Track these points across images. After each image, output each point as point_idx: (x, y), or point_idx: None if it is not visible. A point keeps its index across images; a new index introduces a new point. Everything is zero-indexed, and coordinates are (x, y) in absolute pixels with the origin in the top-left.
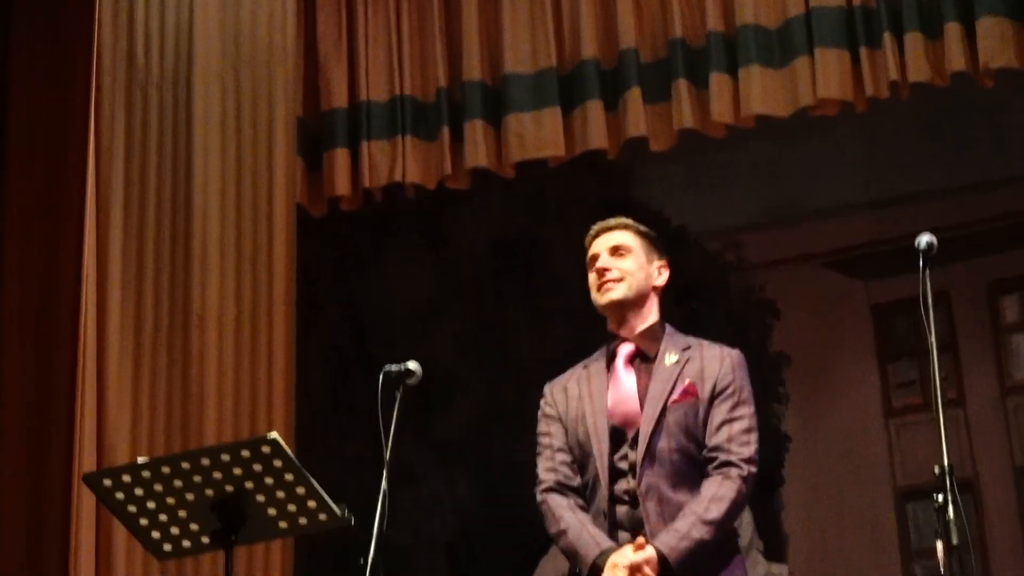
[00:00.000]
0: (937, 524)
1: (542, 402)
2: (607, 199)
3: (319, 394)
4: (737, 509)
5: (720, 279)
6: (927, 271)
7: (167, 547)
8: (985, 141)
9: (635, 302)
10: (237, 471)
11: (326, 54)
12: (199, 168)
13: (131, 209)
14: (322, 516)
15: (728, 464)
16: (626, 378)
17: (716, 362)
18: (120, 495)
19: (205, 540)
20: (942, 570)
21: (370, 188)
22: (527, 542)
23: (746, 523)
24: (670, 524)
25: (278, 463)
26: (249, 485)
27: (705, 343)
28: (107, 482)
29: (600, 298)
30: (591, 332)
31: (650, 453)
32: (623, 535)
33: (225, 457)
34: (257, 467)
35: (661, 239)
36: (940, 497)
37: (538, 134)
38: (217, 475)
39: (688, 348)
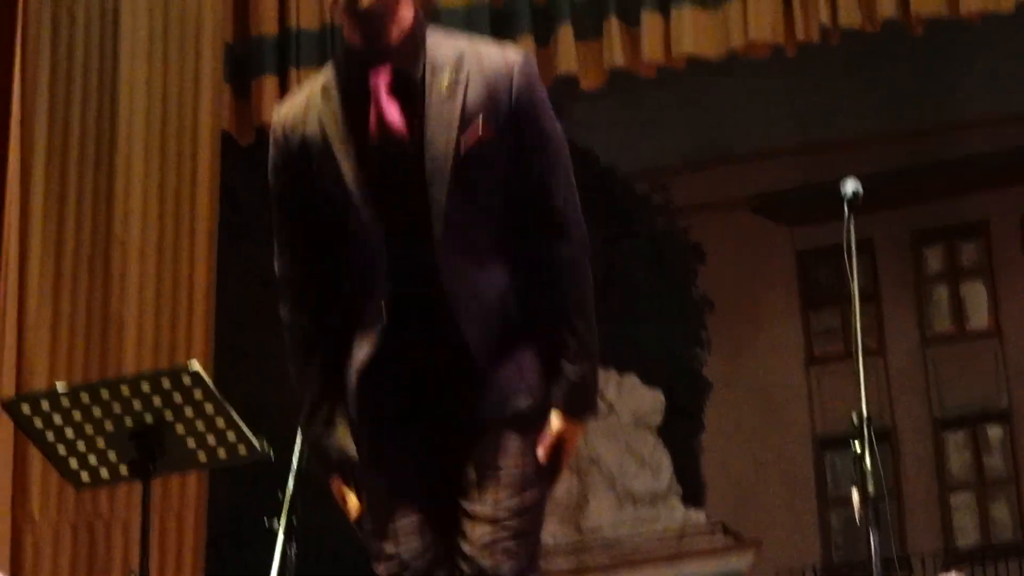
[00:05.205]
0: (854, 473)
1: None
2: None
3: (242, 312)
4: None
5: (647, 220)
6: (851, 218)
7: (84, 476)
8: (913, 89)
9: (393, 5)
10: (157, 401)
11: None
12: (124, 92)
13: (55, 131)
14: (241, 449)
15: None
16: (394, 115)
17: (506, 77)
18: (39, 423)
19: (123, 470)
20: (857, 519)
21: None
22: None
23: (665, 468)
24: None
25: (198, 394)
26: (169, 416)
27: (478, 42)
28: (26, 409)
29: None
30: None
31: (448, 224)
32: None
33: (145, 387)
34: (177, 397)
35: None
36: (858, 446)
37: None
38: (137, 405)
39: (461, 57)
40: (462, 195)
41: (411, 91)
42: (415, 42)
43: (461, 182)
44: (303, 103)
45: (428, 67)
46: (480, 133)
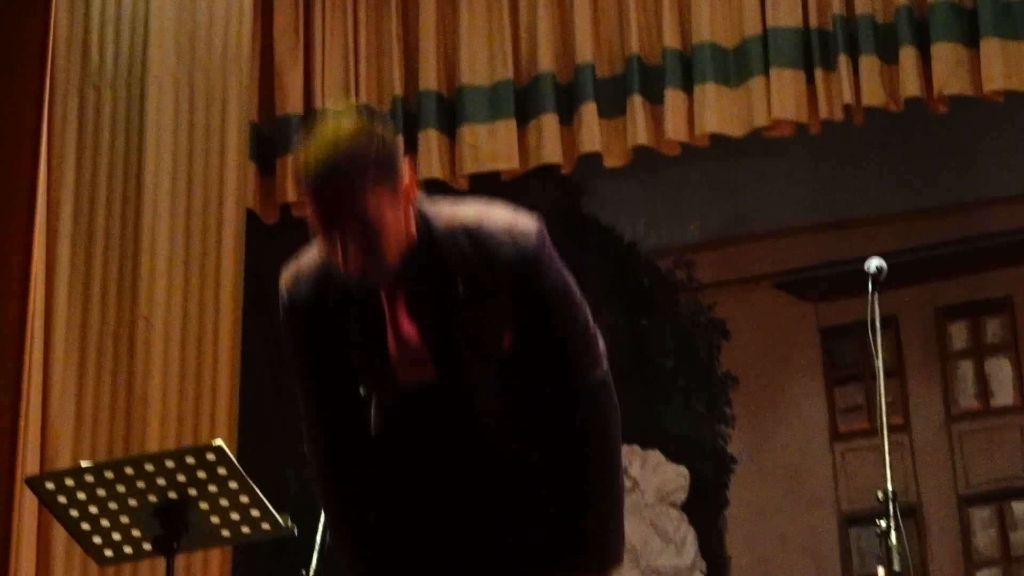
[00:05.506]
0: (879, 550)
1: None
2: (559, 214)
3: (266, 388)
4: None
5: (671, 297)
6: (875, 295)
7: (108, 553)
8: (937, 166)
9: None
10: (181, 477)
11: (282, 59)
12: (150, 170)
13: (81, 210)
14: (265, 525)
15: None
16: (412, 334)
17: (521, 267)
18: (63, 499)
19: (147, 546)
20: None
21: None
22: None
23: (689, 544)
24: None
25: (223, 470)
26: (193, 492)
27: (483, 224)
28: (50, 485)
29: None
30: None
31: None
32: None
33: (169, 463)
34: (201, 474)
35: (392, 123)
36: (883, 523)
37: (492, 146)
38: (161, 481)
39: (471, 256)
40: (492, 388)
41: (426, 301)
42: (420, 256)
43: (489, 379)
44: (316, 275)
45: (440, 269)
46: (506, 343)
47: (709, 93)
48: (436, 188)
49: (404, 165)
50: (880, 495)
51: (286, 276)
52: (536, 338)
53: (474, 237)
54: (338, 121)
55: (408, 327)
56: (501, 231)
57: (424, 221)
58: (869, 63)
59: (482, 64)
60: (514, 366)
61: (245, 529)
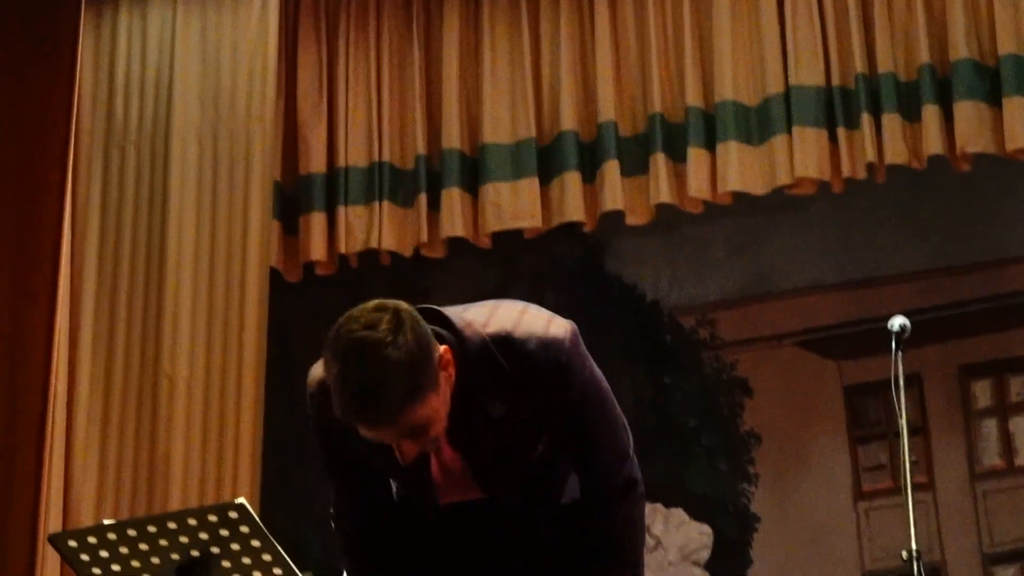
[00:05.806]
0: None
1: None
2: (581, 271)
3: (288, 447)
4: None
5: (693, 355)
6: (899, 354)
7: None
8: (960, 224)
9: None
10: (203, 535)
11: (305, 118)
12: (173, 228)
13: (104, 268)
14: None
15: None
16: (451, 460)
17: (555, 376)
18: (85, 557)
19: None
20: None
21: (346, 254)
22: None
23: None
24: None
25: (245, 529)
26: (215, 550)
27: (514, 336)
28: (72, 543)
29: None
30: None
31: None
32: None
33: (192, 521)
34: (224, 532)
35: (438, 327)
36: None
37: (515, 204)
38: (183, 539)
39: (504, 375)
40: (521, 485)
41: (465, 430)
42: (458, 387)
43: (520, 482)
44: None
45: (475, 393)
46: (540, 450)
47: (732, 151)
48: (459, 246)
49: (437, 349)
50: (904, 554)
51: (314, 376)
52: (565, 435)
53: (506, 349)
54: (367, 354)
55: (449, 454)
56: (533, 342)
57: (455, 335)
58: (892, 121)
59: (505, 122)
60: (544, 463)
61: None
